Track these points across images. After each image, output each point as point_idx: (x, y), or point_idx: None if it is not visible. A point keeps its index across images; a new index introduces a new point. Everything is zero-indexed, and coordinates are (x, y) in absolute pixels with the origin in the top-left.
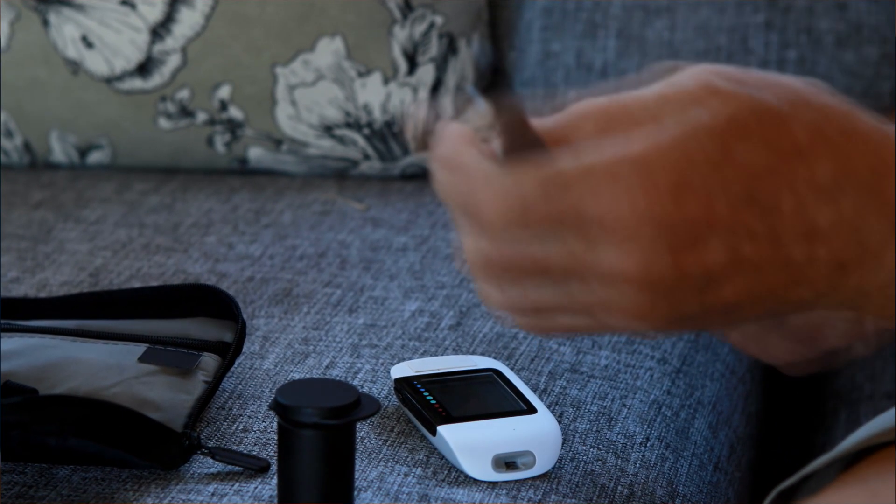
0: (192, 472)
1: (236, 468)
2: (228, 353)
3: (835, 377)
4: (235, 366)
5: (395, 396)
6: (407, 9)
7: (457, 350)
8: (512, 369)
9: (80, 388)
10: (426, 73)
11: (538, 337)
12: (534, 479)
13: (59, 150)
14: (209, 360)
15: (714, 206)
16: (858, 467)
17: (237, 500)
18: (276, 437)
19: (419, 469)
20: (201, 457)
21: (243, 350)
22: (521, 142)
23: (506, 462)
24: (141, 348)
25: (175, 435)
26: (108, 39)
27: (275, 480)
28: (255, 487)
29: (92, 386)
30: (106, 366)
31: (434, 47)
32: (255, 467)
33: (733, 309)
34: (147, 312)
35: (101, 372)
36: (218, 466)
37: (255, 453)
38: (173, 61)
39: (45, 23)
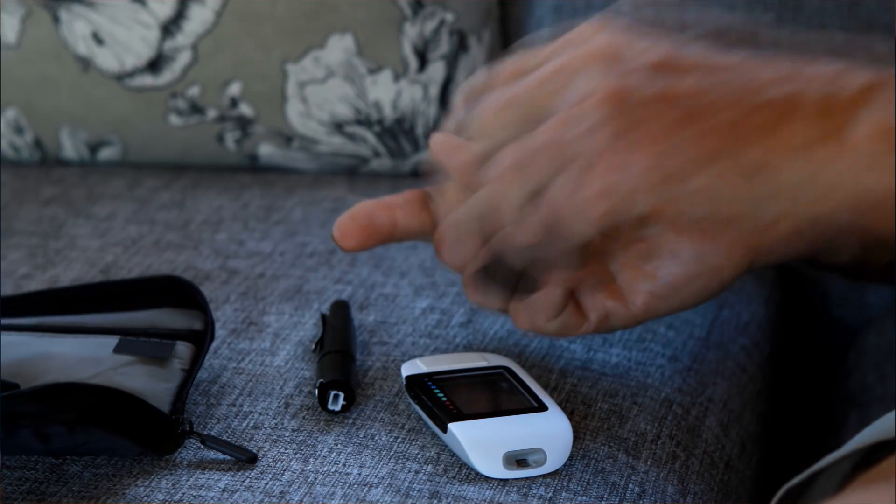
0: (202, 468)
1: (249, 466)
2: (199, 340)
3: (845, 379)
4: (246, 363)
5: (405, 394)
6: (417, 6)
7: (467, 347)
8: (523, 367)
9: (58, 381)
10: (437, 70)
11: (550, 335)
12: (545, 476)
13: (70, 147)
14: (183, 349)
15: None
16: (883, 466)
17: (248, 496)
18: (286, 435)
19: (430, 466)
20: (208, 452)
21: (254, 347)
22: None
23: (517, 459)
24: (113, 340)
25: (171, 421)
26: (119, 36)
27: (285, 476)
28: (266, 484)
29: (71, 379)
30: (81, 359)
31: (445, 44)
32: (243, 457)
33: (695, 100)
34: (111, 306)
35: (77, 365)
36: (229, 462)
37: (265, 450)
38: (184, 58)
39: (56, 19)
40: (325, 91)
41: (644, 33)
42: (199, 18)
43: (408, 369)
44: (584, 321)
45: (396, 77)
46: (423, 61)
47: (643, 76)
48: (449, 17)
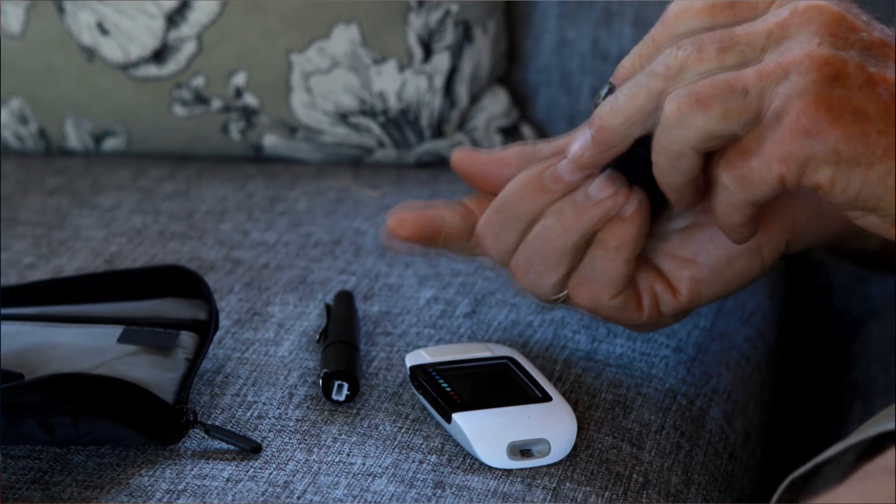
0: (206, 457)
1: (253, 456)
2: (204, 330)
3: (849, 370)
4: (250, 353)
5: (410, 384)
6: None
7: (472, 338)
8: (527, 357)
9: (62, 371)
10: (441, 60)
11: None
12: (549, 466)
13: (74, 137)
14: (187, 339)
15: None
16: (884, 456)
17: (252, 486)
18: (290, 425)
19: (434, 456)
20: (212, 442)
21: (258, 337)
22: None
23: (521, 449)
24: (117, 330)
25: (175, 411)
26: (124, 26)
27: (289, 466)
28: (270, 473)
29: (75, 369)
30: (85, 348)
31: (449, 35)
32: (247, 447)
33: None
34: (115, 296)
35: (81, 355)
36: (233, 452)
37: (269, 440)
38: (188, 48)
39: (61, 9)
40: (330, 81)
41: (859, 11)
42: (204, 9)
43: (412, 359)
44: (640, 309)
45: (401, 67)
46: (427, 52)
47: (858, 54)
48: (454, 7)
